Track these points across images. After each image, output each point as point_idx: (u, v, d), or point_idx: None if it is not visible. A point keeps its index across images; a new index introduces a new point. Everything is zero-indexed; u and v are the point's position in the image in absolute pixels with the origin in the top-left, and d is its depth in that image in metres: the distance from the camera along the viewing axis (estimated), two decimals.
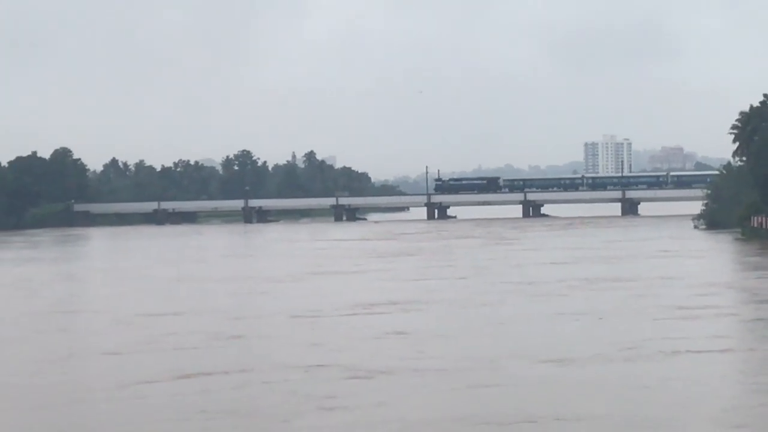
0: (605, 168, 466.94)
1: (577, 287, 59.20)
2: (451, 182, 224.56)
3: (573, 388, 31.03)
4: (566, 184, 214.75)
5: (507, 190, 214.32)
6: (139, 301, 57.68)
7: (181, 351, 39.48)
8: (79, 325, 49.85)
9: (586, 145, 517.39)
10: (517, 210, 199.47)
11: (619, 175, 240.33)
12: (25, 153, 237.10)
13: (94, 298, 63.79)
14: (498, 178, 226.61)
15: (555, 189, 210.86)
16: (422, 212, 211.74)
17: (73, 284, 73.67)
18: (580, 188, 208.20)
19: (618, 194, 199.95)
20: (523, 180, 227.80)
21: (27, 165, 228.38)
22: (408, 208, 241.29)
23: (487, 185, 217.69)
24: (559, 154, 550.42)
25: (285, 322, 47.53)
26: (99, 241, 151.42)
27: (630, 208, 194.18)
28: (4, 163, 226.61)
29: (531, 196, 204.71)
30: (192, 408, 29.34)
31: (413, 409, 28.75)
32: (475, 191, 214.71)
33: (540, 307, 50.33)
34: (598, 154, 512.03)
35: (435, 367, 34.45)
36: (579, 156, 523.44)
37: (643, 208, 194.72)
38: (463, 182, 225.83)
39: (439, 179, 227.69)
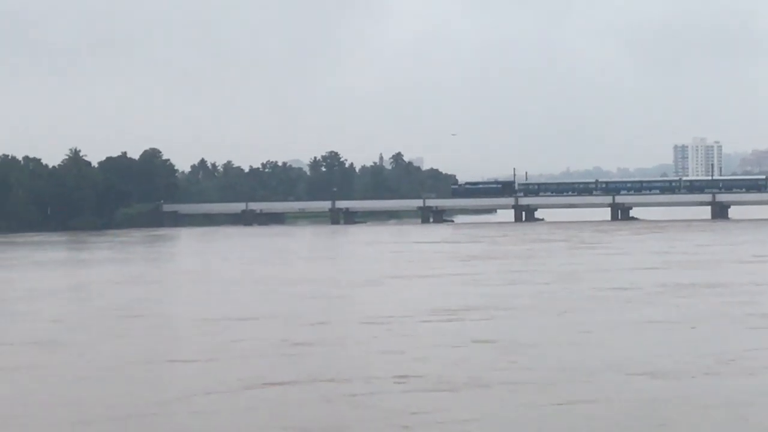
0: (695, 171, 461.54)
1: (667, 293, 57.21)
2: (467, 186, 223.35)
3: (676, 405, 28.95)
4: (662, 187, 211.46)
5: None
6: (214, 305, 56.63)
7: (253, 358, 37.91)
8: (151, 330, 47.78)
9: (675, 147, 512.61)
10: (606, 213, 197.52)
11: (713, 177, 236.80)
12: (115, 153, 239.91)
13: (172, 301, 62.57)
14: (513, 182, 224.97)
15: (647, 192, 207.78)
16: (509, 214, 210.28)
17: (150, 287, 72.26)
18: (677, 191, 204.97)
19: (707, 197, 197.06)
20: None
21: (117, 165, 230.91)
22: (495, 210, 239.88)
23: (503, 189, 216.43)
24: (648, 157, 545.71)
25: (362, 328, 46.03)
26: (185, 241, 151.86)
27: (720, 211, 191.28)
28: (95, 164, 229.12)
29: (619, 199, 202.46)
30: (270, 424, 27.73)
31: (509, 427, 27.03)
32: (490, 195, 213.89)
33: (629, 314, 48.39)
34: (687, 157, 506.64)
35: (526, 380, 32.54)
36: (668, 159, 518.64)
37: (734, 212, 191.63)
38: (480, 186, 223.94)
39: (455, 184, 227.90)
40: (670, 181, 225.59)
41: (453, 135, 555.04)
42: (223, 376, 34.21)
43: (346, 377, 33.80)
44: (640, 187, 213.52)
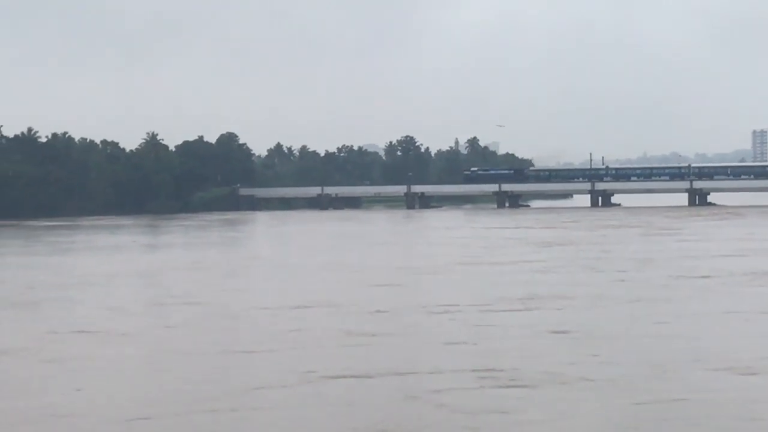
0: None
1: (748, 282, 55.78)
2: (480, 172, 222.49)
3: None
4: (740, 172, 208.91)
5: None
6: (280, 293, 55.66)
7: (318, 349, 36.57)
8: (210, 319, 46.22)
9: (754, 132, 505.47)
10: (683, 198, 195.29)
11: None
12: (192, 137, 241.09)
13: (236, 288, 60.93)
14: (524, 169, 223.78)
15: (725, 177, 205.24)
16: (585, 199, 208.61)
17: (214, 273, 71.28)
18: (758, 177, 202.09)
19: None
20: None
21: (194, 149, 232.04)
22: (572, 195, 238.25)
23: (515, 175, 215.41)
24: (726, 142, 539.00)
25: (432, 317, 44.62)
26: (257, 226, 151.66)
27: None
28: (172, 147, 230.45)
29: (697, 184, 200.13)
30: (335, 423, 26.39)
31: (595, 428, 25.50)
32: (502, 181, 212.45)
33: (709, 304, 47.03)
34: (767, 142, 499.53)
35: (605, 376, 30.95)
36: (747, 144, 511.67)
37: None
38: (491, 172, 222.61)
39: (467, 170, 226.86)
40: (749, 167, 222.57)
41: (500, 126, 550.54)
42: (286, 367, 33.13)
43: (415, 370, 32.57)
44: (716, 172, 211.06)
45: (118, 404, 28.62)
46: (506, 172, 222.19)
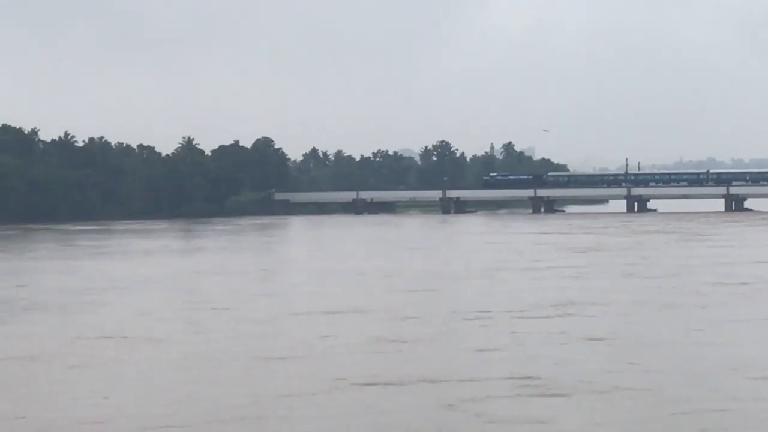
0: None
1: None
2: (498, 178, 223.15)
3: None
4: None
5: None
6: (311, 298, 55.18)
7: (348, 356, 35.94)
8: (240, 325, 45.69)
9: None
10: (719, 204, 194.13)
11: None
12: (228, 142, 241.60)
13: (267, 293, 60.45)
14: (542, 174, 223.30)
15: (763, 183, 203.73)
16: (621, 205, 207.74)
17: (245, 277, 71.18)
18: None
19: None
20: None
21: (229, 154, 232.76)
22: (607, 201, 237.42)
23: (533, 181, 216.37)
24: (763, 147, 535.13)
25: (465, 323, 43.99)
26: (290, 230, 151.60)
27: None
28: (207, 152, 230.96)
29: (734, 190, 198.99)
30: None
31: None
32: (521, 187, 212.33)
33: (745, 311, 46.18)
34: None
35: (643, 384, 30.19)
36: None
37: None
38: (511, 178, 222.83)
39: (487, 175, 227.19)
40: None
41: (545, 131, 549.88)
42: (317, 374, 32.54)
43: (449, 378, 31.92)
44: (734, 177, 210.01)
45: (146, 411, 28.17)
46: (525, 177, 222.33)
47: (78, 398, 30.07)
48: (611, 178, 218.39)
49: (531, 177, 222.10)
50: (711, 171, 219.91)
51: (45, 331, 44.21)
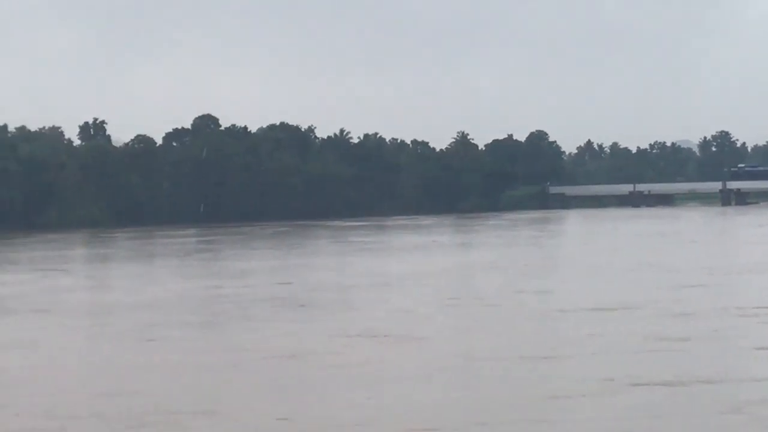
0: None
1: None
2: (747, 169, 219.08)
3: None
4: None
5: None
6: (580, 293, 53.50)
7: (616, 354, 34.25)
8: (497, 321, 44.50)
9: None
10: None
11: None
12: (501, 136, 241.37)
13: (523, 288, 58.11)
14: None
15: None
16: None
17: (510, 271, 69.41)
18: None
19: None
20: None
21: (503, 148, 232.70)
22: None
23: None
24: None
25: (739, 320, 41.48)
26: (567, 224, 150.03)
27: None
28: (481, 146, 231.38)
29: None
30: None
31: None
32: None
33: None
34: None
35: None
36: None
37: None
38: (759, 169, 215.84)
39: (734, 167, 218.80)
40: None
41: None
42: (586, 374, 31.02)
43: (729, 378, 29.99)
44: None
45: (408, 414, 27.26)
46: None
47: (337, 398, 29.50)
48: None
49: None
50: None
51: (302, 328, 44.09)
